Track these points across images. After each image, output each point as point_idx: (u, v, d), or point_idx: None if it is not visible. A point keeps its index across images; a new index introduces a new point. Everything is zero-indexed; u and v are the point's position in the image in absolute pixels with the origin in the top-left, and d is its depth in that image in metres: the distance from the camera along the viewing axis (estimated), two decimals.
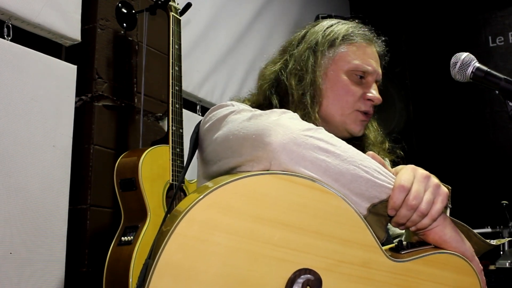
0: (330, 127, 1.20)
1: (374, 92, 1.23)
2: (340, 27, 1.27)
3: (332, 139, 0.89)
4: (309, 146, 0.85)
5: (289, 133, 0.86)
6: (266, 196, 0.78)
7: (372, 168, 0.87)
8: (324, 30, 1.26)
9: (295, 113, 0.95)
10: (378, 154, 1.27)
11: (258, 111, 0.96)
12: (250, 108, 1.03)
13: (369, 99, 1.22)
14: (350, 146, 0.90)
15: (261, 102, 1.24)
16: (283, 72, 1.25)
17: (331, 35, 1.25)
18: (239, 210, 0.76)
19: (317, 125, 0.98)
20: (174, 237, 0.72)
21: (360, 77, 1.22)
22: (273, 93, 1.24)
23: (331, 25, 1.27)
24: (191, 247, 0.72)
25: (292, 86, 1.21)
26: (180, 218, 0.73)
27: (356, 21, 1.31)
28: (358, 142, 1.28)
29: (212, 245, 0.74)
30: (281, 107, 1.20)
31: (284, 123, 0.88)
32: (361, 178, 0.85)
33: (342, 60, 1.23)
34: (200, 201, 0.74)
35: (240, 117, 0.95)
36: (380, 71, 1.26)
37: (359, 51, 1.24)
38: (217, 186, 0.76)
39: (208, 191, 0.75)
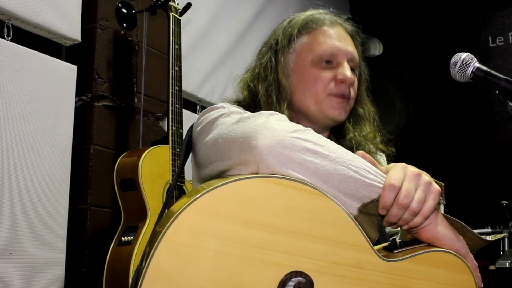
0: (311, 119, 1.20)
1: (345, 72, 1.19)
2: (298, 19, 1.26)
3: (320, 140, 0.88)
4: (297, 147, 0.85)
5: (276, 136, 0.85)
6: (255, 199, 0.78)
7: (361, 168, 0.86)
8: (284, 28, 1.26)
9: (283, 115, 0.95)
10: (373, 151, 1.27)
11: (247, 114, 0.96)
12: (240, 110, 1.03)
13: (341, 81, 1.19)
14: (338, 146, 0.89)
15: (248, 103, 1.24)
16: (253, 79, 1.25)
17: (289, 30, 1.24)
18: (228, 215, 0.76)
19: (300, 121, 0.99)
20: (163, 243, 0.72)
21: (327, 61, 1.20)
22: (251, 96, 1.25)
23: (291, 21, 1.27)
24: (180, 253, 0.73)
25: (259, 89, 1.21)
26: (168, 224, 0.73)
27: (321, 8, 1.30)
28: (352, 140, 1.27)
29: (201, 250, 0.74)
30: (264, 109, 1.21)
31: (271, 126, 0.87)
32: (350, 178, 0.85)
33: (304, 51, 1.21)
34: (188, 206, 0.74)
35: (229, 120, 0.96)
36: (351, 49, 1.23)
37: (320, 37, 1.21)
38: (205, 191, 0.76)
39: (197, 196, 0.75)
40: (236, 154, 0.88)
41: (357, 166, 0.86)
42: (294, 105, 1.22)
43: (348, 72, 1.19)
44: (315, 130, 0.91)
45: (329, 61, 1.20)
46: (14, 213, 1.78)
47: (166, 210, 0.86)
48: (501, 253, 3.02)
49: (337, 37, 1.22)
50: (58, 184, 1.96)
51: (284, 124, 0.89)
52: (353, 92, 1.23)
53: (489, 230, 3.22)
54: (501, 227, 3.20)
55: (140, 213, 1.94)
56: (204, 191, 0.76)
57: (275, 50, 1.24)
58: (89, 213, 2.04)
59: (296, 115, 1.23)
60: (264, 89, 1.20)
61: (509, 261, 2.81)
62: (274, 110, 1.14)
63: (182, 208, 0.74)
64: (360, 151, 0.92)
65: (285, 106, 1.19)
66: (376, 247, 0.87)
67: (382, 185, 0.86)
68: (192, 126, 1.09)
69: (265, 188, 0.79)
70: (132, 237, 1.88)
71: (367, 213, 0.86)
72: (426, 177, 0.89)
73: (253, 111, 1.01)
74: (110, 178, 2.05)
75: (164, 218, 0.80)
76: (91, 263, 2.01)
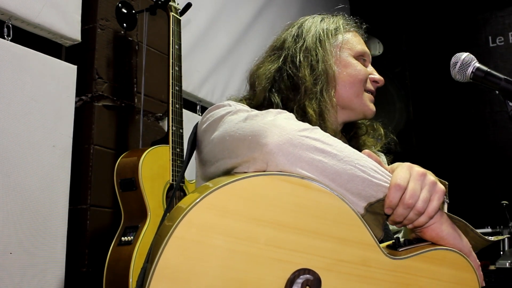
0: (348, 113, 1.26)
1: (379, 75, 1.30)
2: (334, 18, 1.32)
3: (328, 139, 0.89)
4: (305, 146, 0.85)
5: (285, 134, 0.86)
6: (264, 197, 0.79)
7: (368, 167, 0.87)
8: (321, 22, 1.30)
9: (291, 113, 0.95)
10: (375, 150, 1.30)
11: (254, 112, 0.96)
12: (247, 108, 1.03)
13: (374, 81, 1.29)
14: (346, 145, 0.90)
15: (261, 102, 1.23)
16: (287, 68, 1.23)
17: (332, 25, 1.30)
18: (237, 212, 0.76)
19: (336, 112, 1.12)
20: (172, 240, 0.72)
21: (363, 59, 1.29)
22: (273, 91, 1.23)
23: (324, 18, 1.32)
24: (189, 250, 0.73)
25: (306, 77, 1.21)
26: (178, 221, 0.73)
27: (341, 13, 1.37)
28: (355, 139, 1.31)
29: (210, 247, 0.74)
30: (283, 105, 1.20)
31: (279, 124, 0.88)
32: (357, 177, 0.85)
33: (348, 45, 1.28)
34: (197, 203, 0.74)
35: (236, 118, 0.95)
36: None
37: (356, 37, 1.31)
38: (214, 188, 0.76)
39: (206, 193, 0.75)
40: (244, 152, 0.88)
41: (364, 165, 0.87)
42: (336, 97, 1.24)
43: (379, 75, 1.30)
44: (335, 127, 0.91)
45: (365, 60, 1.30)
46: (14, 213, 1.78)
47: (168, 213, 0.86)
48: (501, 253, 3.03)
49: (363, 41, 1.33)
50: (58, 184, 1.96)
51: (293, 123, 0.89)
52: None
53: (489, 230, 3.22)
54: (501, 227, 3.21)
55: (140, 213, 1.93)
56: (213, 188, 0.76)
57: (320, 40, 1.27)
58: (89, 213, 2.04)
59: (333, 107, 1.25)
60: (312, 78, 1.21)
61: (509, 261, 2.81)
62: (322, 100, 1.19)
63: (191, 205, 0.74)
64: (366, 150, 0.92)
65: (333, 94, 1.22)
66: (380, 245, 0.87)
67: (388, 185, 0.87)
68: (197, 124, 1.09)
69: (273, 186, 0.80)
70: (132, 237, 1.88)
71: (373, 212, 0.87)
72: (431, 177, 0.90)
73: (260, 109, 1.01)
74: (110, 178, 2.05)
75: (173, 213, 0.80)
76: (91, 263, 2.01)
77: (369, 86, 1.28)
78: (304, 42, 1.26)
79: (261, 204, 0.78)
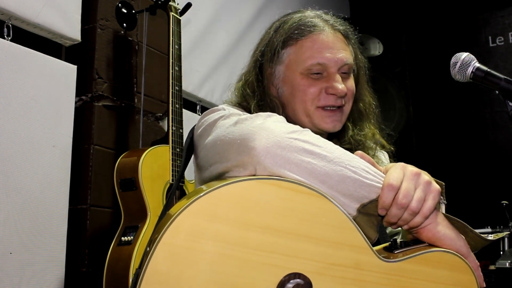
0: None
1: (335, 85, 1.14)
2: (284, 27, 1.20)
3: (318, 141, 0.88)
4: (294, 148, 0.85)
5: (272, 137, 0.85)
6: (253, 201, 0.78)
7: (360, 168, 0.86)
8: (270, 38, 1.21)
9: (281, 116, 0.94)
10: (372, 148, 1.26)
11: (245, 115, 0.96)
12: (240, 112, 1.04)
13: (331, 93, 1.15)
14: (337, 146, 0.89)
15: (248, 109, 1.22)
16: (243, 96, 1.22)
17: (275, 42, 1.19)
18: (226, 217, 0.76)
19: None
20: (160, 246, 0.72)
21: (317, 73, 1.15)
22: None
23: (277, 29, 1.21)
24: (178, 255, 0.73)
25: (250, 106, 1.18)
26: (166, 227, 0.73)
27: (309, 9, 1.24)
28: (351, 139, 1.24)
29: (199, 252, 0.74)
30: None
31: (268, 127, 0.87)
32: (348, 178, 0.85)
33: (292, 63, 1.17)
34: (185, 209, 0.74)
35: (227, 122, 0.96)
36: (342, 55, 1.16)
37: (308, 48, 1.16)
38: (202, 193, 0.76)
39: (194, 198, 0.75)
40: (234, 156, 0.88)
41: (356, 166, 0.86)
42: (287, 117, 1.17)
43: (338, 85, 1.14)
44: None
45: (319, 73, 1.15)
46: (14, 213, 1.78)
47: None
48: (501, 253, 3.02)
49: (326, 44, 1.16)
50: (58, 184, 1.96)
51: (282, 125, 0.89)
52: (346, 101, 1.18)
53: (489, 230, 3.22)
54: (501, 227, 3.21)
55: (140, 213, 1.94)
56: (202, 193, 0.76)
57: (261, 63, 1.20)
58: (89, 213, 2.04)
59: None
60: (256, 106, 1.17)
61: (509, 261, 2.81)
62: None
63: (180, 210, 0.74)
64: (359, 151, 0.91)
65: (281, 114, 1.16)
66: (376, 248, 0.86)
67: (381, 185, 0.86)
68: (193, 128, 1.09)
69: (262, 190, 0.79)
70: (132, 237, 1.88)
71: (366, 213, 0.86)
72: (425, 176, 0.89)
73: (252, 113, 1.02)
74: (110, 178, 2.05)
75: (162, 221, 0.81)
76: (91, 263, 2.01)
77: (324, 102, 1.15)
78: (248, 69, 1.24)
79: (251, 208, 0.78)
